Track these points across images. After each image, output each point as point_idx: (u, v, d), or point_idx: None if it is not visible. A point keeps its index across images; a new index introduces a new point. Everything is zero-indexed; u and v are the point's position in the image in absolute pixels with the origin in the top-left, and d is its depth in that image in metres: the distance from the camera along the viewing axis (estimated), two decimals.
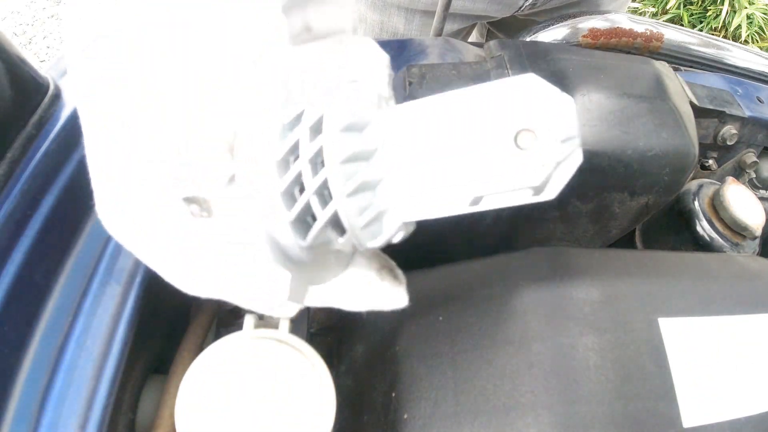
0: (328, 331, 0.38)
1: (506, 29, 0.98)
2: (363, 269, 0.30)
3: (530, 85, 0.21)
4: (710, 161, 0.56)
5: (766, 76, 0.61)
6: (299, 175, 0.24)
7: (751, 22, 2.35)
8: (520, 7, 0.78)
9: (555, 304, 0.29)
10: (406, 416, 0.28)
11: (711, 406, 0.28)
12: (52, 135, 0.31)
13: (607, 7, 0.80)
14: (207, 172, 0.25)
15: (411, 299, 0.33)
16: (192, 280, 0.27)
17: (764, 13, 2.35)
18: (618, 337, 0.29)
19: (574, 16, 0.56)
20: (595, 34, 0.51)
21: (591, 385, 0.27)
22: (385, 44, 0.32)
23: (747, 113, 0.54)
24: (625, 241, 0.56)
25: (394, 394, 0.29)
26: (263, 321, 0.35)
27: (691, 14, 2.39)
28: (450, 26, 0.79)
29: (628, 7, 2.35)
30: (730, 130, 0.53)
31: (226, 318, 0.41)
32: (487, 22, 0.98)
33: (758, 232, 0.48)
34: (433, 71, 0.45)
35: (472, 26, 0.97)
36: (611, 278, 0.31)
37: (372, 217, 0.25)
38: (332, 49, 0.29)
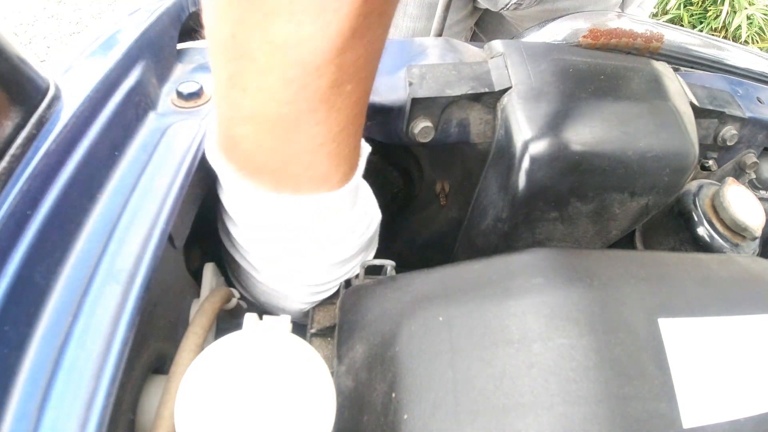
0: (328, 331, 0.38)
1: (492, 31, 0.99)
2: None
3: None
4: (710, 162, 0.56)
5: (766, 76, 0.61)
6: None
7: (751, 23, 2.35)
8: (506, 5, 0.80)
9: (555, 305, 0.29)
10: (406, 416, 0.28)
11: (711, 407, 0.28)
12: (52, 135, 0.31)
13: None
14: None
15: (411, 300, 0.33)
16: None
17: (764, 14, 2.35)
18: (618, 338, 0.29)
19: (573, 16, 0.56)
20: (596, 34, 0.51)
21: (591, 385, 0.27)
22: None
23: (747, 114, 0.54)
24: (625, 242, 0.56)
25: (394, 395, 0.29)
26: (263, 321, 0.35)
27: (691, 15, 2.39)
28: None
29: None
30: (730, 131, 0.53)
31: (226, 318, 0.41)
32: (474, 24, 1.00)
33: (758, 232, 0.48)
34: (433, 71, 0.45)
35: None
36: (611, 279, 0.31)
37: None
38: None
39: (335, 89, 0.29)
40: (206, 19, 0.29)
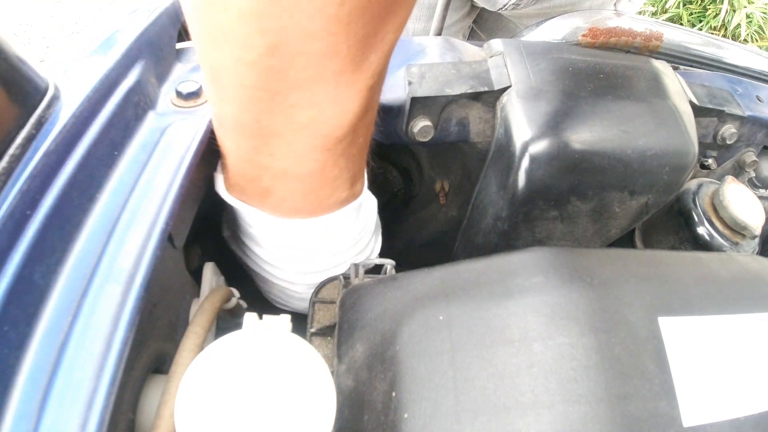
0: (328, 331, 0.38)
1: (490, 29, 0.99)
2: None
3: None
4: (710, 160, 0.56)
5: (765, 75, 0.61)
6: None
7: (750, 21, 2.35)
8: (504, 5, 0.80)
9: (555, 304, 0.29)
10: (406, 416, 0.28)
11: (711, 406, 0.28)
12: (51, 135, 0.31)
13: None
14: None
15: (411, 299, 0.33)
16: None
17: (763, 13, 2.35)
18: (618, 337, 0.29)
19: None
20: (595, 33, 0.51)
21: (591, 384, 0.27)
22: None
23: (746, 112, 0.53)
24: (625, 241, 0.56)
25: (394, 394, 0.29)
26: (263, 321, 0.35)
27: (691, 13, 2.39)
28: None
29: None
30: (729, 129, 0.53)
31: (226, 318, 0.41)
32: (472, 22, 1.00)
33: (758, 231, 0.48)
34: (432, 70, 0.45)
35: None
36: (611, 278, 0.31)
37: None
38: None
39: (353, 143, 0.33)
40: (220, 106, 0.31)
